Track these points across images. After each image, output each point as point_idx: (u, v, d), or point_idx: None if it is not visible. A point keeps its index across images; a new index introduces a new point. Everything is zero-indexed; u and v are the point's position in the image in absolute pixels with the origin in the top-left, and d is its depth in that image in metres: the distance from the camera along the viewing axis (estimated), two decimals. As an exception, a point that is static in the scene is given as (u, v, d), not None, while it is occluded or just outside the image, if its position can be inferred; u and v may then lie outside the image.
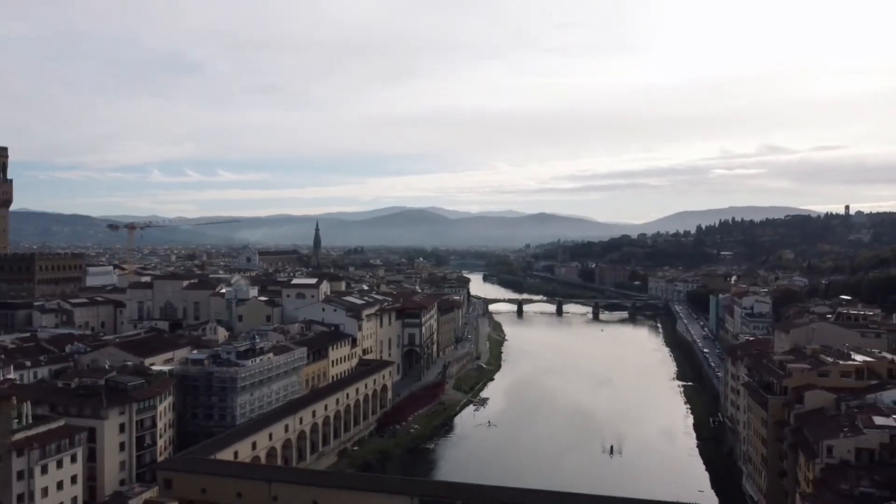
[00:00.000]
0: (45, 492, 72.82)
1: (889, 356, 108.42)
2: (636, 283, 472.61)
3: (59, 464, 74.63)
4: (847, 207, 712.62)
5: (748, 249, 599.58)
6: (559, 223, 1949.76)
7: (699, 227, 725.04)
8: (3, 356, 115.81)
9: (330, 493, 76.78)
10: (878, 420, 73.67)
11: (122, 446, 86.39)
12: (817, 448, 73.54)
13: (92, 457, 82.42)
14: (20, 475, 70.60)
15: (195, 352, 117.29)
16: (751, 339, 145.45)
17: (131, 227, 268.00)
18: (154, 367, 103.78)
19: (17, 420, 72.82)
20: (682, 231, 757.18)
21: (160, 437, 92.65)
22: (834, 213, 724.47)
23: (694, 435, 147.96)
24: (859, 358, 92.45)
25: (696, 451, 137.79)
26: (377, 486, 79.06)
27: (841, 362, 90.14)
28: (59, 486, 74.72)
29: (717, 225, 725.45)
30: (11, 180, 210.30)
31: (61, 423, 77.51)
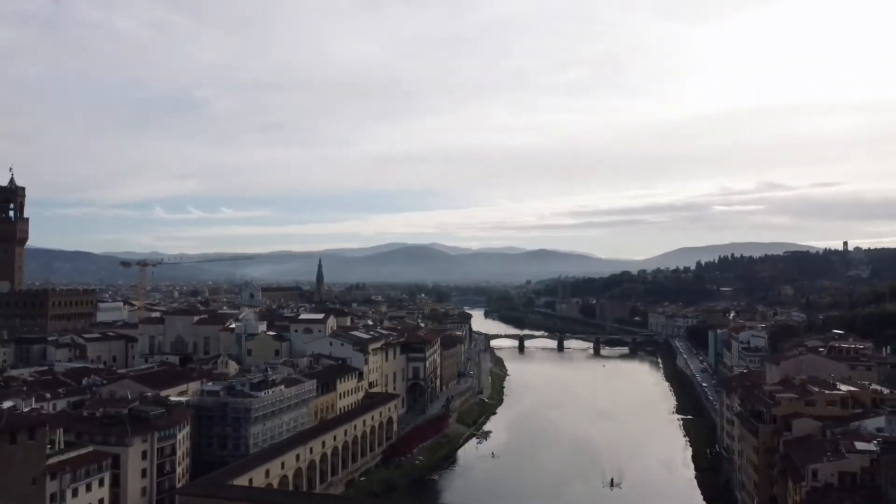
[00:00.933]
0: (75, 513, 77.31)
1: (876, 387, 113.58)
2: (636, 318, 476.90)
3: (89, 487, 79.30)
4: (845, 244, 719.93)
5: (747, 285, 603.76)
6: (559, 259, 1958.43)
7: (699, 263, 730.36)
8: (24, 388, 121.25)
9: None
10: (860, 445, 78.33)
11: (143, 473, 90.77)
12: (803, 472, 78.08)
13: (116, 482, 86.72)
14: (53, 497, 75.19)
15: (210, 384, 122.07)
16: (745, 371, 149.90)
17: (143, 264, 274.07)
18: (172, 399, 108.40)
19: (49, 446, 77.53)
20: (682, 267, 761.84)
21: (179, 464, 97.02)
22: (833, 248, 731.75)
23: (692, 466, 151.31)
24: (844, 388, 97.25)
25: (695, 481, 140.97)
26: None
27: (827, 392, 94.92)
28: (89, 508, 79.22)
29: (716, 261, 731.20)
30: (27, 219, 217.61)
31: (90, 449, 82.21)
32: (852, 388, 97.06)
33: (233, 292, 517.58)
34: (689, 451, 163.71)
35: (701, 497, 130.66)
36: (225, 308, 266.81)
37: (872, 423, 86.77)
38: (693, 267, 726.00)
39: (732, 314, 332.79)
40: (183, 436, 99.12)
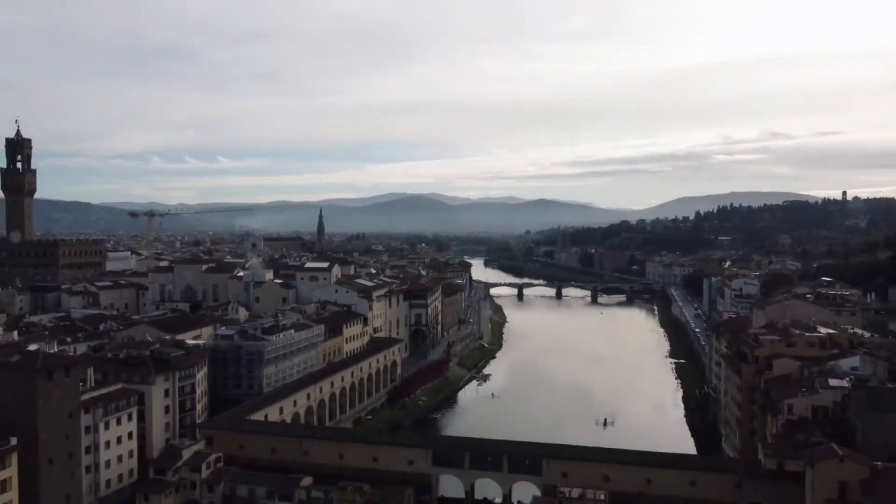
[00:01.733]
0: (107, 444, 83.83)
1: (858, 330, 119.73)
2: (634, 267, 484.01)
3: (119, 421, 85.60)
4: (844, 194, 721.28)
5: (746, 235, 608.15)
6: (560, 209, 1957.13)
7: (698, 213, 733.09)
8: (46, 333, 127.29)
9: (354, 447, 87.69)
10: (833, 382, 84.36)
11: (166, 409, 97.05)
12: (780, 406, 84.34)
13: (141, 418, 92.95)
14: (87, 429, 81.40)
15: (223, 328, 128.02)
16: (734, 316, 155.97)
17: (150, 214, 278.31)
18: (188, 342, 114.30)
19: (81, 384, 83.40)
20: (683, 216, 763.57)
21: (198, 402, 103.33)
22: (832, 199, 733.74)
23: (682, 406, 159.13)
24: (824, 331, 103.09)
25: (684, 420, 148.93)
26: (397, 442, 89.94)
27: (807, 334, 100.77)
28: (119, 440, 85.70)
29: (715, 211, 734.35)
30: (35, 170, 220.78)
31: (118, 386, 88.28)
32: (831, 331, 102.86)
33: (233, 242, 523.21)
34: (680, 393, 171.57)
35: (689, 434, 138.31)
36: (228, 258, 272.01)
37: (848, 363, 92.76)
38: (692, 217, 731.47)
39: (728, 263, 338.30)
40: (201, 376, 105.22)
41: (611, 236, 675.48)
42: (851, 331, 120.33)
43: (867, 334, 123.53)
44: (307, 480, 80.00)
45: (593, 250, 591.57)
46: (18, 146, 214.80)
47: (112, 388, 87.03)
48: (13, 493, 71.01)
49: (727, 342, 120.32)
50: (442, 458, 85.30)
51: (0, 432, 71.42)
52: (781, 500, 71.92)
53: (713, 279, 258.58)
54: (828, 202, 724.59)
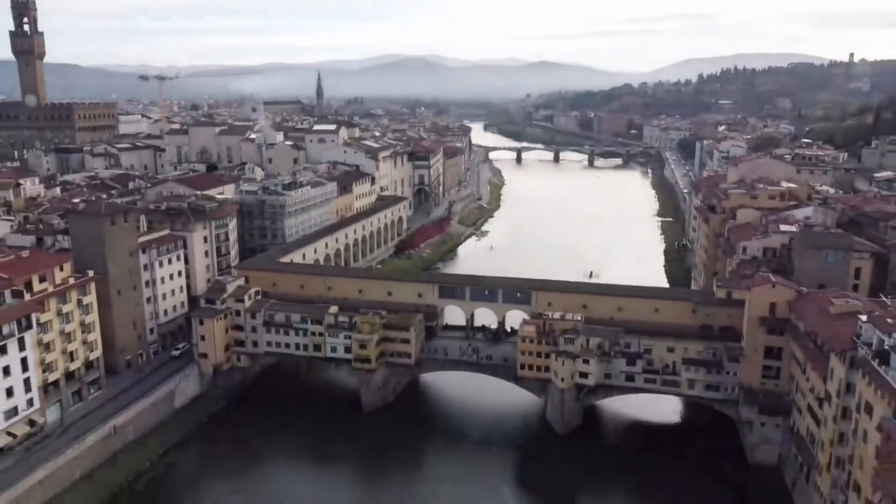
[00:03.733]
0: (162, 280, 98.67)
1: (825, 186, 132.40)
2: (633, 131, 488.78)
3: (169, 261, 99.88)
4: (851, 55, 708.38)
5: (747, 98, 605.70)
6: (562, 72, 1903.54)
7: (700, 76, 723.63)
8: (85, 189, 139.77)
9: (371, 283, 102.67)
10: (784, 227, 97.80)
11: (206, 253, 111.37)
12: (736, 248, 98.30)
13: (185, 260, 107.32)
14: (145, 267, 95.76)
15: (246, 184, 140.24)
16: (711, 174, 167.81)
17: (160, 77, 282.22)
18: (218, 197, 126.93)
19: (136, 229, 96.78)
20: (689, 79, 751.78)
21: (231, 248, 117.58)
22: (837, 61, 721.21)
23: (663, 258, 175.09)
24: (785, 185, 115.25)
25: (663, 270, 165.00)
26: (408, 278, 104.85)
27: (769, 188, 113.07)
28: (171, 276, 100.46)
29: (718, 73, 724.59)
30: (42, 33, 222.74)
31: (166, 231, 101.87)
32: (792, 185, 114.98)
33: (231, 106, 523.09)
34: (663, 247, 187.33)
35: (665, 280, 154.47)
36: (229, 121, 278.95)
37: (802, 213, 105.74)
38: (696, 80, 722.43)
39: (722, 127, 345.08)
40: (232, 225, 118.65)
41: (612, 100, 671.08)
42: (821, 187, 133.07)
43: (832, 190, 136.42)
44: (334, 309, 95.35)
45: (593, 114, 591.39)
46: (24, 7, 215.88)
47: (162, 233, 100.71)
48: (94, 315, 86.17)
49: (702, 197, 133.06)
50: (446, 292, 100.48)
51: (79, 268, 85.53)
52: (727, 321, 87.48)
53: (705, 142, 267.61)
54: (833, 65, 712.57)
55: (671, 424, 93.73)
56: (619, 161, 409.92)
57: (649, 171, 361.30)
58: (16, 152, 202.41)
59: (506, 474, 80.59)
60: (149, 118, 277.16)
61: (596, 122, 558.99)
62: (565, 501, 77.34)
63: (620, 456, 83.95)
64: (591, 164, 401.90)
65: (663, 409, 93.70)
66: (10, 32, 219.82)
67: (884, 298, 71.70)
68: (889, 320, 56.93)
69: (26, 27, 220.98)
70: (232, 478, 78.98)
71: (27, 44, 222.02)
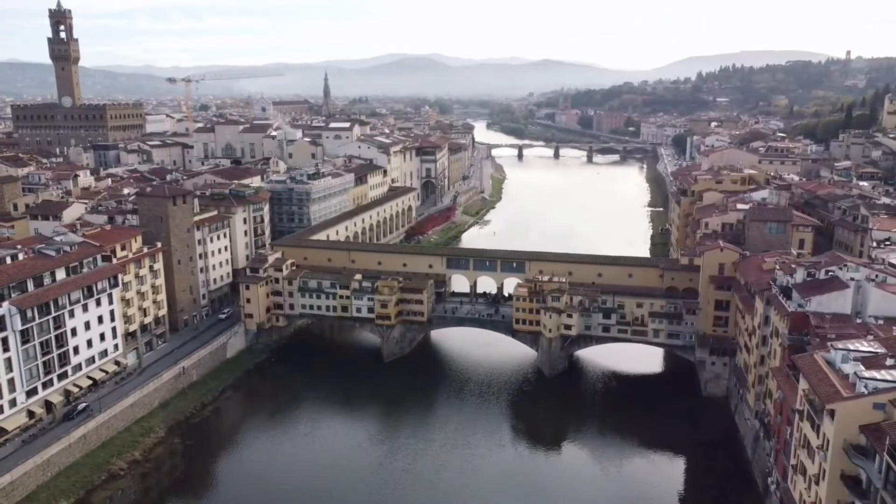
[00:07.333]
0: (212, 253, 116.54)
1: (793, 175, 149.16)
2: (631, 128, 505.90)
3: (218, 237, 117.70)
4: (848, 53, 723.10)
5: (744, 95, 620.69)
6: (564, 70, 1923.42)
7: (699, 74, 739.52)
8: (132, 181, 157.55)
9: (389, 256, 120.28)
10: (740, 206, 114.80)
11: (245, 233, 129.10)
12: (700, 224, 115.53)
13: (229, 237, 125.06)
14: (200, 242, 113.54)
15: (274, 175, 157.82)
16: (688, 163, 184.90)
17: (187, 80, 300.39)
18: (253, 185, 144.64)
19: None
20: (689, 77, 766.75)
21: (265, 230, 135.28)
22: (835, 58, 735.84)
23: (649, 243, 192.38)
24: (747, 171, 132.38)
25: (648, 252, 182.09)
26: (420, 251, 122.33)
27: (732, 174, 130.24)
28: (219, 250, 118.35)
29: (717, 71, 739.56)
30: (77, 39, 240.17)
31: (214, 213, 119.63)
32: (753, 172, 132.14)
33: (238, 106, 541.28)
34: (650, 233, 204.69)
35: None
36: (251, 121, 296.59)
37: (759, 195, 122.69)
38: (695, 78, 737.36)
39: (714, 124, 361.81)
40: (266, 209, 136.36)
41: (612, 98, 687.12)
42: (788, 175, 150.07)
43: (796, 178, 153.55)
44: (358, 276, 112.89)
45: (592, 112, 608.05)
46: (61, 16, 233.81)
47: (211, 214, 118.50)
48: (161, 279, 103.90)
49: (680, 184, 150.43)
50: (453, 263, 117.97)
51: (147, 241, 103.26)
52: (689, 284, 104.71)
53: (695, 137, 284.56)
54: (830, 62, 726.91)
55: (640, 370, 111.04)
56: (616, 157, 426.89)
57: (644, 166, 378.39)
58: (56, 149, 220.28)
59: (502, 409, 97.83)
60: (172, 117, 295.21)
61: (596, 120, 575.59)
62: (551, 432, 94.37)
63: (597, 396, 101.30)
64: (589, 160, 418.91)
65: (634, 358, 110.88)
66: (48, 39, 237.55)
67: (812, 257, 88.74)
68: (793, 266, 74.08)
69: (62, 34, 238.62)
70: (275, 412, 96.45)
71: (64, 49, 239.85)
